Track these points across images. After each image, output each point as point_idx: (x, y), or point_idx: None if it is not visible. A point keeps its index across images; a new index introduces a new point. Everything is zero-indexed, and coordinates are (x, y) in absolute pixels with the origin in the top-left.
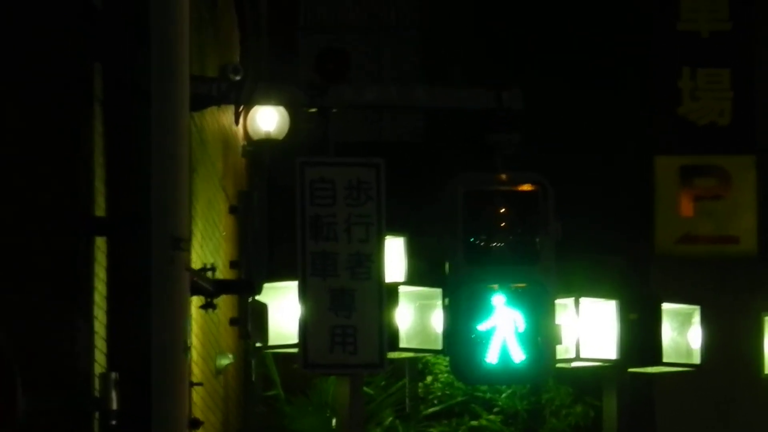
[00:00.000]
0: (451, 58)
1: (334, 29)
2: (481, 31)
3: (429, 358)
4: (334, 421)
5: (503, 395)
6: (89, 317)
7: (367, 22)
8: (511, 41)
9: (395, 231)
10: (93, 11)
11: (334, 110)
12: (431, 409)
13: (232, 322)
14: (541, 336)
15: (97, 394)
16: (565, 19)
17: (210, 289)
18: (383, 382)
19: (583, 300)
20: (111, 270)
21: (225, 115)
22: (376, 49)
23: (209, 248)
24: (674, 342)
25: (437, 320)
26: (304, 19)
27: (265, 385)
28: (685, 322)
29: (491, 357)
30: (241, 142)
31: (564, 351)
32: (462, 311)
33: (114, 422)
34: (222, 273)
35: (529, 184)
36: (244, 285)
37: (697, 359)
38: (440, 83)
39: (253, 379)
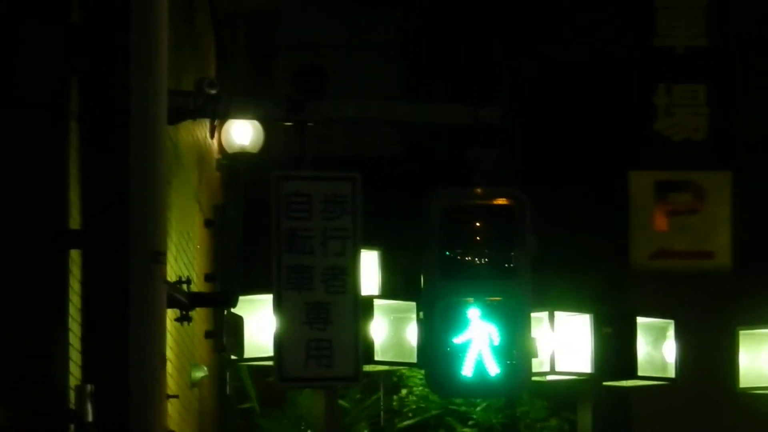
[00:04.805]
0: (432, 75)
1: (311, 47)
2: (462, 48)
3: (404, 371)
4: None
5: (478, 408)
6: (64, 330)
7: (345, 41)
8: (490, 57)
9: (370, 245)
10: (72, 26)
11: (310, 124)
12: (406, 422)
13: (208, 334)
14: (517, 349)
15: (72, 406)
16: (543, 35)
17: (185, 301)
18: (358, 395)
19: (558, 313)
20: (87, 283)
21: (200, 129)
22: (356, 66)
23: (183, 261)
24: (649, 356)
25: (412, 333)
26: (281, 37)
27: (240, 398)
28: (659, 336)
29: (467, 370)
30: (216, 155)
31: (539, 364)
32: (437, 324)
33: None
34: (197, 286)
35: (506, 199)
36: (220, 297)
37: (672, 373)
38: (421, 100)
39: (228, 392)
